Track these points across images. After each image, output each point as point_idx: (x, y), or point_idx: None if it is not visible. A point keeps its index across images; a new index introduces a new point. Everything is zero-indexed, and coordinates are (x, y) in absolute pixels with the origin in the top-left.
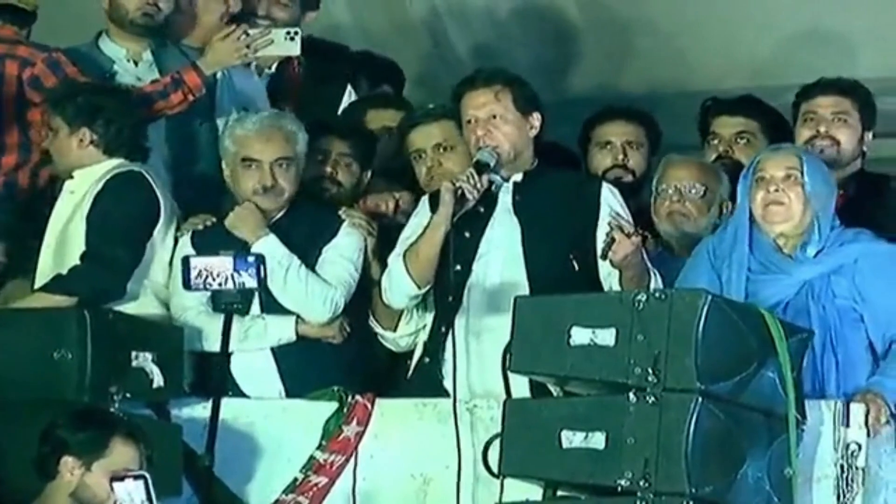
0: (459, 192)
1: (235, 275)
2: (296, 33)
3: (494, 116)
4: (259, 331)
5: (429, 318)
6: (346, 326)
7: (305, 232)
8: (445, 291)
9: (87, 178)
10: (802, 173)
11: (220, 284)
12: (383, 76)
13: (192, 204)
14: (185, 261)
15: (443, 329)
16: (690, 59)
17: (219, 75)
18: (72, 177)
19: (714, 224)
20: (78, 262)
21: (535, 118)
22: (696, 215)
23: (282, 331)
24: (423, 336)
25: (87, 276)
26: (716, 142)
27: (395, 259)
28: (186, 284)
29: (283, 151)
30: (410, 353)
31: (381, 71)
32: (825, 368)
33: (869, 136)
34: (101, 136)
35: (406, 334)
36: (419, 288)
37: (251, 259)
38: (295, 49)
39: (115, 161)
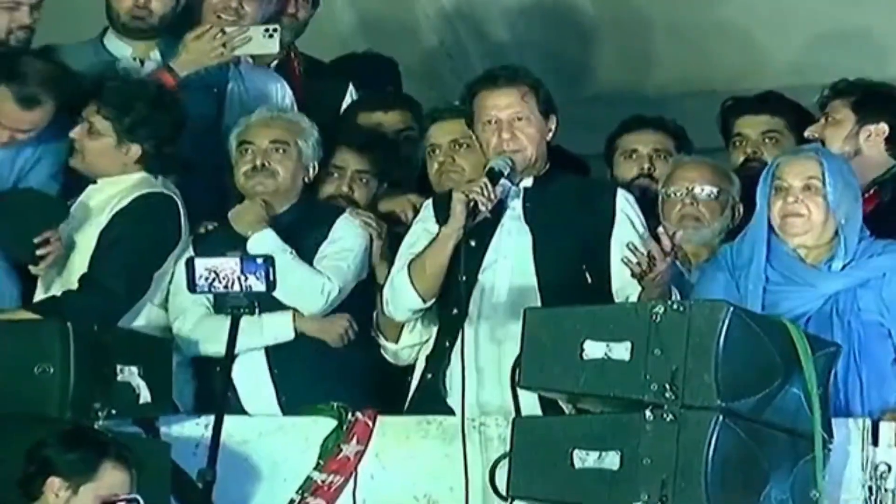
0: (472, 204)
1: (242, 277)
2: (275, 30)
3: (520, 119)
4: (255, 329)
5: (433, 330)
6: (350, 333)
7: (307, 229)
8: (449, 303)
9: (110, 187)
10: (824, 182)
11: (226, 287)
12: (381, 74)
13: (195, 209)
14: (190, 262)
15: (447, 343)
16: (710, 59)
17: (231, 73)
18: (95, 182)
19: (727, 228)
20: (76, 284)
21: (552, 121)
22: (709, 218)
23: (278, 328)
24: (426, 350)
25: (81, 304)
26: (742, 143)
27: (398, 271)
28: (191, 287)
29: (280, 136)
30: (415, 367)
31: (378, 69)
32: (849, 385)
33: (874, 128)
34: (150, 155)
35: (408, 346)
36: (424, 302)
37: (260, 261)
38: (274, 47)
39: (142, 175)
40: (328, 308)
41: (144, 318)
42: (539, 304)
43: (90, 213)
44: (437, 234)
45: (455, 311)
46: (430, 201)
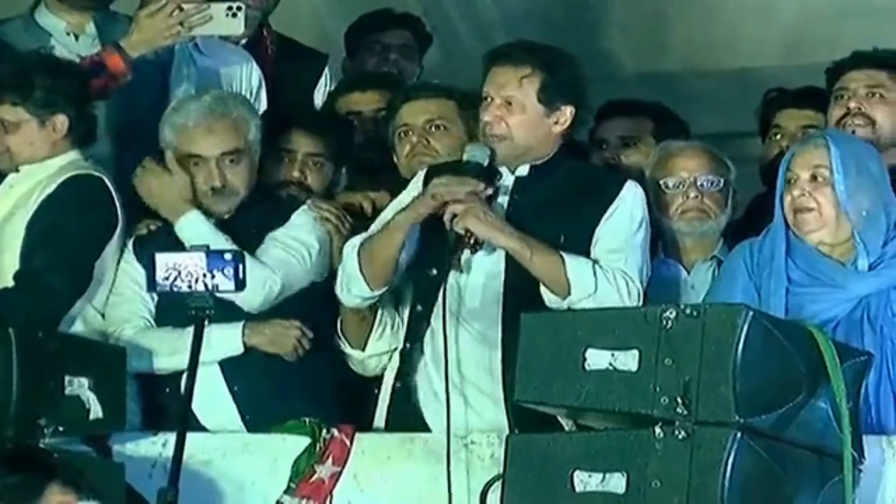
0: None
1: (208, 276)
2: (238, 9)
3: (509, 103)
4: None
5: (402, 336)
6: (304, 343)
7: (257, 224)
8: (416, 298)
9: (35, 173)
10: (832, 170)
11: (189, 286)
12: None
13: (139, 204)
14: (151, 258)
15: (408, 345)
16: (729, 34)
17: (177, 49)
18: (17, 170)
19: (728, 221)
20: (11, 282)
21: (565, 112)
22: (717, 212)
23: (227, 342)
24: (396, 358)
25: (18, 303)
26: (778, 136)
27: (350, 249)
28: (151, 285)
29: (230, 143)
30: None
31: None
32: (882, 399)
33: None
34: (75, 124)
35: (375, 354)
36: (371, 290)
37: (228, 257)
38: (237, 28)
39: (70, 156)
40: (266, 304)
41: (82, 322)
42: (501, 308)
43: (15, 204)
44: (390, 221)
45: (419, 307)
46: (423, 172)
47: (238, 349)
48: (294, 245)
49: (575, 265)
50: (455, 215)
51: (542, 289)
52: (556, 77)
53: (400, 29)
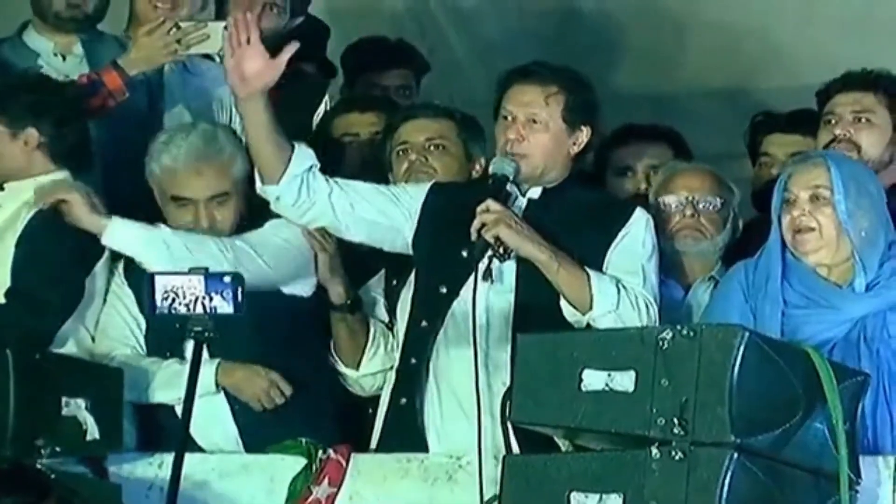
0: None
1: (206, 298)
2: None
3: (534, 122)
4: (179, 381)
5: (397, 357)
6: (274, 395)
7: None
8: (419, 314)
9: (21, 191)
10: (832, 190)
11: (187, 308)
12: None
13: (120, 212)
14: (150, 279)
15: (413, 360)
16: (717, 54)
17: (166, 69)
18: (2, 188)
19: (727, 243)
20: (2, 299)
21: (582, 133)
22: (713, 232)
23: (202, 382)
24: (392, 375)
25: (10, 320)
26: (768, 164)
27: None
28: (151, 307)
29: (218, 186)
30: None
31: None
32: (878, 420)
33: None
34: (50, 139)
35: (370, 373)
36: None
37: (227, 279)
38: None
39: (59, 175)
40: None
41: (74, 343)
42: (510, 328)
43: (4, 221)
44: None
45: (424, 323)
46: (431, 184)
47: (211, 388)
48: (266, 245)
49: (599, 280)
50: (484, 224)
51: (563, 303)
52: (578, 97)
53: (398, 68)
